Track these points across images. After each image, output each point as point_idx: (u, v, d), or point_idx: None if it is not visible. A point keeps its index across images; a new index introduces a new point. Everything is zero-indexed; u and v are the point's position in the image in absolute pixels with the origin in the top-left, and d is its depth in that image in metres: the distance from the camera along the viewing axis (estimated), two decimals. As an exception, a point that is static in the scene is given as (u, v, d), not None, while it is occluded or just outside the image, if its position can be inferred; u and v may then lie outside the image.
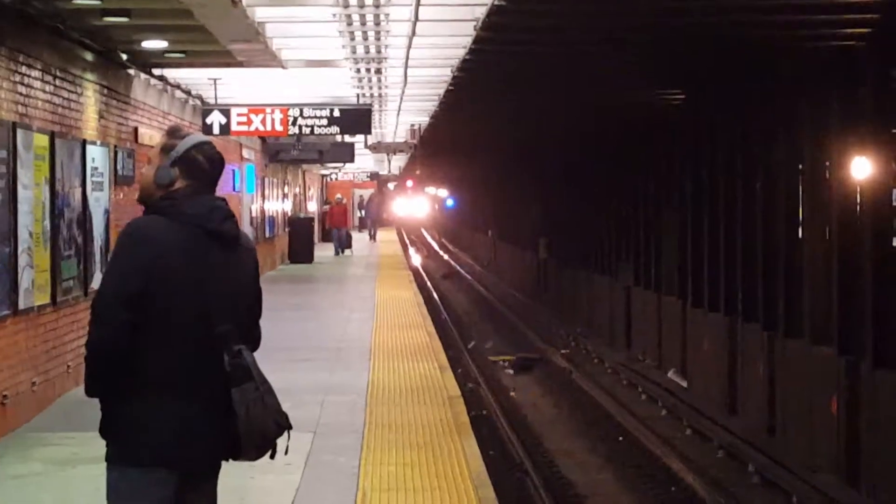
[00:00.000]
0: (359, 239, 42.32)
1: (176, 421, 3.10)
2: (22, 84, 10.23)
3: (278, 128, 16.67)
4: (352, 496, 7.75)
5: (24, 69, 10.23)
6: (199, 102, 18.33)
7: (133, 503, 3.14)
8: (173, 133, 3.35)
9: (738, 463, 13.87)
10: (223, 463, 3.27)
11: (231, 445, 3.16)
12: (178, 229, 3.23)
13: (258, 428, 3.16)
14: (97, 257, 11.64)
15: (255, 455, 3.22)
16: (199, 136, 3.55)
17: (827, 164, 16.61)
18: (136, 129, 14.18)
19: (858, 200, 15.64)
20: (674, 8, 14.29)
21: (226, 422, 3.08)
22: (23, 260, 9.40)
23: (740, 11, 13.61)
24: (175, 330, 3.12)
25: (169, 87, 16.51)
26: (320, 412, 10.49)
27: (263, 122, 16.29)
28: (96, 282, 11.67)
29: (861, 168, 14.16)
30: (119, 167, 12.70)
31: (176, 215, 3.22)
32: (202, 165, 3.28)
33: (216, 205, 3.34)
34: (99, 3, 10.40)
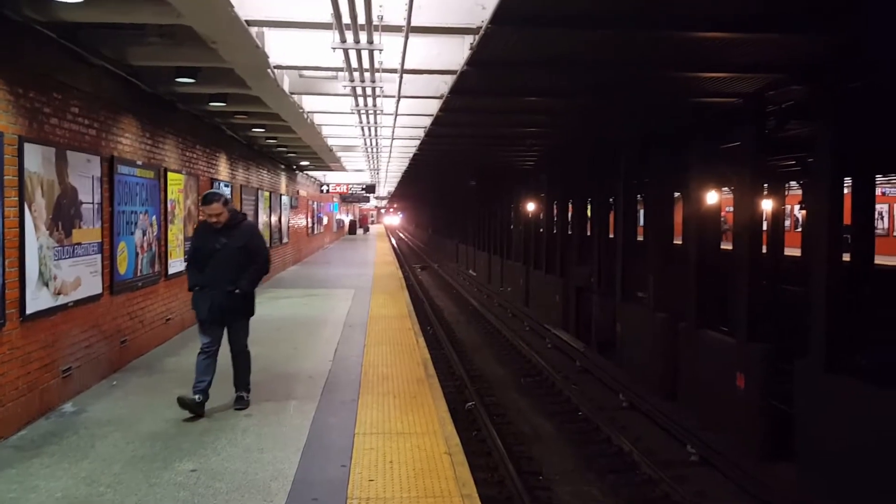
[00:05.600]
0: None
1: None
2: (271, 175, 20.28)
3: (344, 190, 32.31)
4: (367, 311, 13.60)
5: (267, 173, 19.90)
6: (318, 181, 30.77)
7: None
8: (215, 197, 7.41)
9: (489, 293, 29.46)
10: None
11: None
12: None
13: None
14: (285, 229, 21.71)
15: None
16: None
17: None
18: (297, 189, 24.67)
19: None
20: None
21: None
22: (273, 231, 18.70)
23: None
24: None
25: (308, 175, 27.54)
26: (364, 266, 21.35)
27: (339, 188, 31.72)
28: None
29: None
30: (292, 203, 23.11)
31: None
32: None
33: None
34: (294, 156, 20.55)
